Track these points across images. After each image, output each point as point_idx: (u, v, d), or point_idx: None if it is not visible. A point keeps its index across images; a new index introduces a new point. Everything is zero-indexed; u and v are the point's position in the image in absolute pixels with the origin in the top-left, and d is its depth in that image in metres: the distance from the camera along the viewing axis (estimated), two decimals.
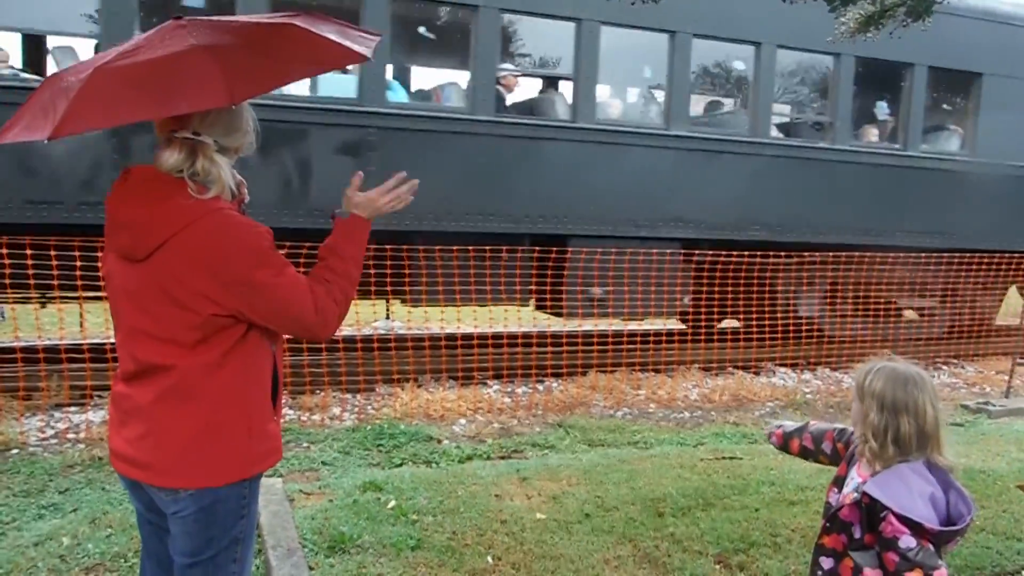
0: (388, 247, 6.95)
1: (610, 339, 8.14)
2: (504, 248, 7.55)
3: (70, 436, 5.75)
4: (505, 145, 7.58)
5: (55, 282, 5.91)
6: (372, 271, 6.85)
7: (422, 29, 8.37)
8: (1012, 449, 5.79)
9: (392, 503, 4.24)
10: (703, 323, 8.78)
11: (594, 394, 7.53)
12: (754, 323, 8.68)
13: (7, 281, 5.90)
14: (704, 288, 8.35)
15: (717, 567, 3.71)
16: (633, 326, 8.95)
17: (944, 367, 9.81)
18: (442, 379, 7.66)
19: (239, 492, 2.01)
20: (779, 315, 8.86)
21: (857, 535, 2.10)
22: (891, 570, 1.99)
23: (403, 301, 7.85)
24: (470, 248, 7.42)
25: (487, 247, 7.48)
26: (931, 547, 1.98)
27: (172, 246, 1.85)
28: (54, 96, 1.76)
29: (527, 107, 8.33)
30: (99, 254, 2.25)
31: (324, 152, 7.06)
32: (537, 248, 7.83)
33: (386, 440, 5.80)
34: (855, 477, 2.19)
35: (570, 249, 7.79)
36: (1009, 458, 5.52)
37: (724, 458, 5.34)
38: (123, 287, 1.95)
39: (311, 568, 3.52)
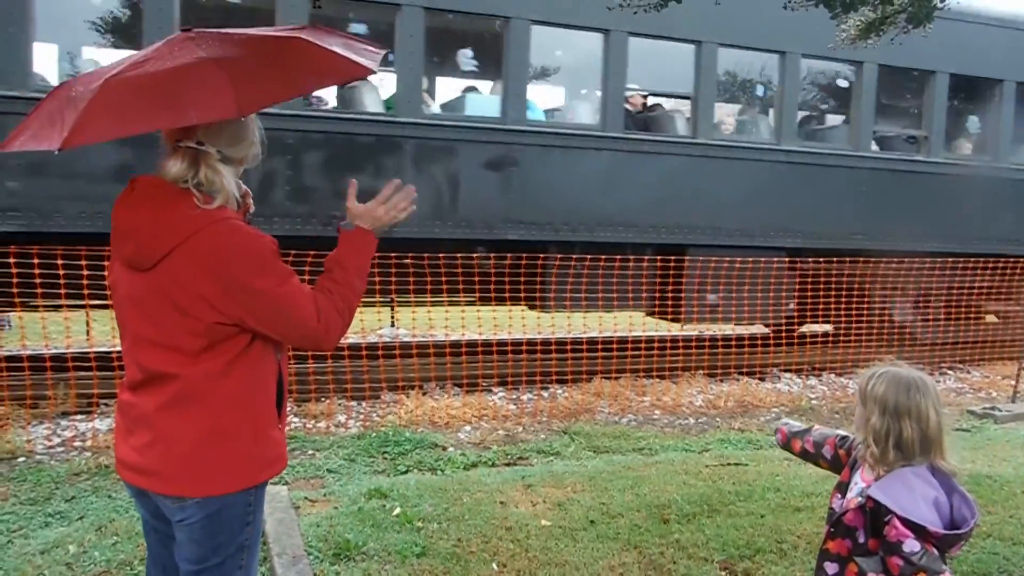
0: (524, 255, 7.58)
1: (614, 345, 8.14)
2: (631, 257, 8.10)
3: (76, 444, 5.76)
4: (632, 160, 8.20)
5: (62, 291, 5.94)
6: (506, 280, 7.49)
7: (559, 53, 9.03)
8: (1019, 454, 5.77)
9: (397, 510, 4.25)
10: (793, 327, 9.36)
11: (599, 401, 7.53)
12: (852, 327, 9.17)
13: (15, 290, 5.94)
14: (808, 294, 8.89)
15: (723, 573, 3.70)
16: (637, 332, 8.95)
17: (950, 372, 9.78)
18: (447, 386, 7.67)
19: (245, 499, 2.02)
20: (875, 320, 9.38)
21: (861, 540, 2.10)
22: (895, 575, 1.99)
23: (534, 307, 8.30)
24: (601, 257, 7.94)
25: (616, 256, 8.03)
26: (935, 551, 1.97)
27: (177, 255, 1.87)
28: (62, 106, 1.78)
29: (649, 123, 8.89)
30: (105, 263, 2.26)
31: (472, 167, 7.67)
32: (659, 257, 8.32)
33: (391, 447, 5.81)
34: (859, 482, 2.19)
35: (687, 258, 8.28)
36: (1015, 463, 5.51)
37: (729, 464, 5.33)
38: (129, 295, 1.97)
39: (316, 575, 3.52)
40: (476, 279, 7.56)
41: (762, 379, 8.85)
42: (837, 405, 7.97)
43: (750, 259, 8.41)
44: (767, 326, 10.04)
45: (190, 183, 1.92)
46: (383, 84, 8.05)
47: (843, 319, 9.08)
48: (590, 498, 4.55)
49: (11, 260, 5.80)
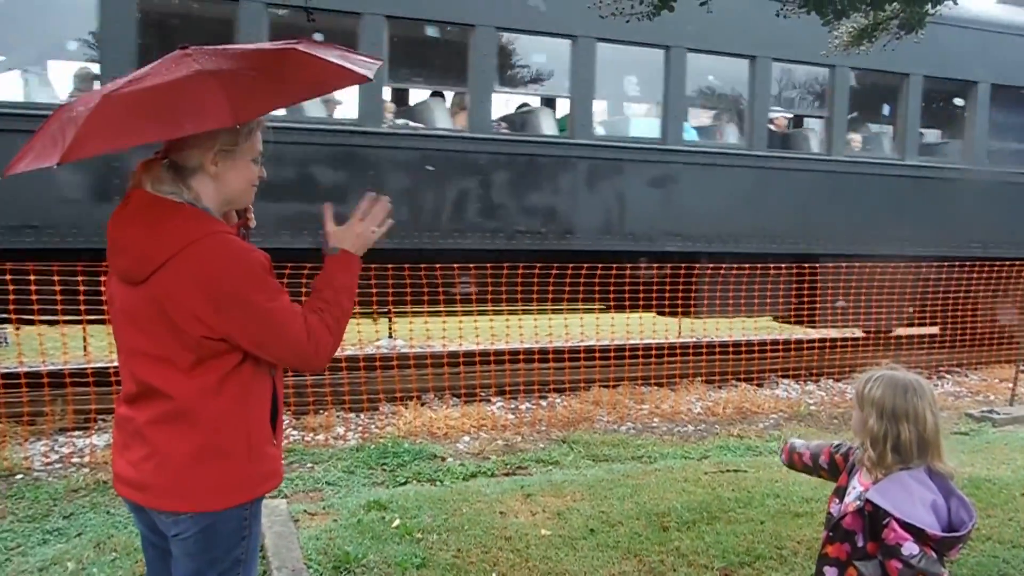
0: (668, 265, 8.25)
1: (612, 354, 8.15)
2: (771, 266, 8.64)
3: (74, 460, 5.75)
4: (773, 176, 9.02)
5: (59, 307, 5.94)
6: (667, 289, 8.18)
7: (710, 77, 9.64)
8: (1017, 457, 5.78)
9: (397, 522, 4.24)
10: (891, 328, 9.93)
11: (597, 409, 7.52)
12: (958, 329, 9.76)
13: (11, 307, 5.93)
14: (919, 298, 9.67)
15: None
16: (635, 340, 8.96)
17: (948, 376, 9.80)
18: (445, 397, 7.67)
19: (240, 514, 2.02)
20: (978, 322, 9.95)
21: (860, 544, 2.11)
22: None
23: (686, 314, 8.82)
24: (746, 266, 8.52)
25: (759, 264, 8.61)
26: (934, 555, 1.98)
27: (168, 268, 1.87)
28: (63, 125, 1.80)
29: (788, 142, 9.76)
30: (102, 278, 2.28)
31: (636, 184, 8.42)
32: (795, 265, 8.86)
33: (390, 459, 5.80)
34: (856, 486, 2.20)
35: (819, 266, 8.88)
36: (1014, 466, 5.51)
37: (729, 471, 5.33)
38: (123, 309, 1.98)
39: None
40: (640, 288, 8.33)
41: (760, 385, 8.86)
42: (835, 410, 7.98)
43: (877, 265, 9.04)
44: (885, 330, 10.52)
45: (175, 197, 1.94)
46: (556, 108, 9.23)
47: (947, 321, 9.73)
48: (589, 507, 4.55)
49: (7, 276, 5.80)
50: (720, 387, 8.65)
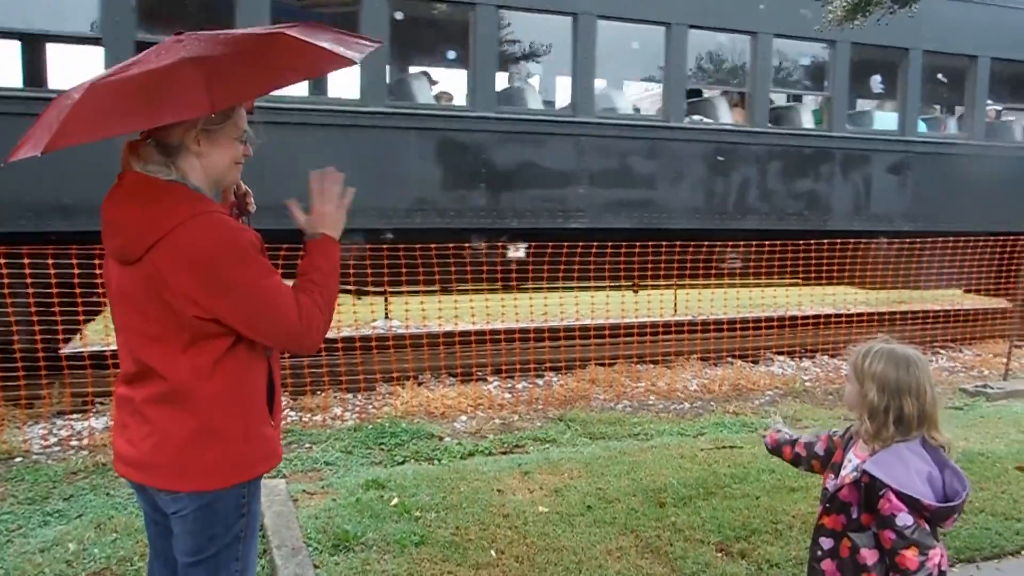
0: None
1: (607, 332, 8.18)
2: (969, 240, 9.42)
3: (73, 443, 5.77)
4: (985, 162, 10.03)
5: (54, 290, 5.93)
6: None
7: (939, 76, 10.66)
8: (1011, 431, 5.83)
9: (395, 500, 4.27)
10: None
11: (594, 387, 7.56)
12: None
13: (6, 291, 5.92)
14: None
15: (719, 555, 3.74)
16: (630, 319, 8.97)
17: (942, 351, 9.85)
18: (442, 376, 7.69)
19: (238, 492, 2.04)
20: None
21: (855, 515, 2.13)
22: (887, 548, 2.02)
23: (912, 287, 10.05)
24: (949, 240, 9.29)
25: (971, 239, 9.45)
26: (927, 526, 2.01)
27: (161, 247, 1.88)
28: (59, 113, 1.81)
29: (1000, 132, 10.87)
30: (97, 260, 2.28)
31: (879, 171, 9.57)
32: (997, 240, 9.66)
33: (388, 439, 5.82)
34: (852, 459, 2.22)
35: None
36: (1008, 440, 5.56)
37: (724, 447, 5.37)
38: (119, 289, 1.99)
39: (316, 567, 3.55)
40: (880, 264, 9.46)
41: (755, 362, 8.90)
42: (831, 386, 8.02)
43: None
44: None
45: (164, 176, 1.95)
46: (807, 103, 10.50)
47: None
48: (586, 484, 4.58)
49: (1, 260, 5.79)
50: (716, 364, 8.69)
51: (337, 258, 2.12)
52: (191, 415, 1.94)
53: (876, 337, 2.27)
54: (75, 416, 6.31)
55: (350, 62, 2.01)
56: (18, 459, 5.40)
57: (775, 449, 2.58)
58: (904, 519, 1.99)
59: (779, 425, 2.65)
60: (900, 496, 2.00)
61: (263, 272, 1.94)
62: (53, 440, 5.83)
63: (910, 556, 1.97)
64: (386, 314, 10.80)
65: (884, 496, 2.02)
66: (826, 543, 2.22)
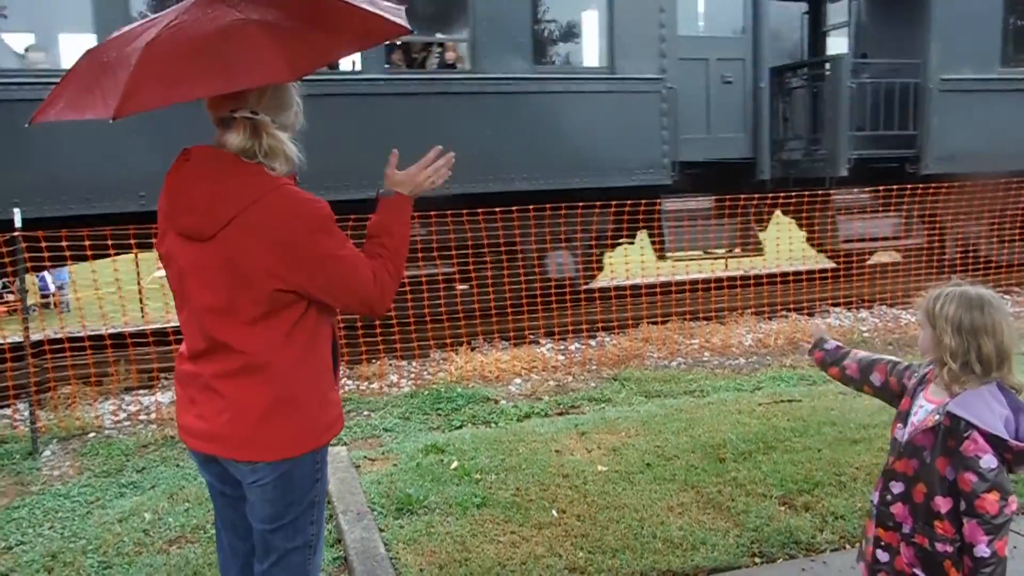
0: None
1: (659, 290, 8.11)
2: None
3: (142, 418, 5.96)
4: None
5: (115, 267, 6.09)
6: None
7: None
8: None
9: (455, 464, 4.33)
10: None
11: (647, 346, 7.52)
12: None
13: (74, 274, 6.10)
14: None
15: (782, 508, 3.72)
16: (680, 276, 8.88)
17: (1007, 296, 9.56)
18: (495, 340, 7.73)
19: (312, 458, 2.07)
20: None
21: (928, 460, 2.09)
22: (967, 491, 1.98)
23: None
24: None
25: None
26: (1007, 473, 1.97)
27: (237, 224, 1.88)
28: (97, 73, 1.76)
29: None
30: (153, 240, 2.30)
31: None
32: None
33: (444, 404, 5.89)
34: (925, 404, 2.16)
35: None
36: None
37: (783, 401, 5.31)
38: (188, 266, 1.97)
39: (381, 530, 3.62)
40: None
41: (811, 315, 8.75)
42: (890, 336, 7.86)
43: None
44: None
45: (258, 154, 1.91)
46: None
47: None
48: (644, 442, 4.58)
49: (64, 243, 5.96)
50: (770, 318, 8.57)
51: (407, 220, 2.15)
52: (268, 386, 1.96)
53: (948, 281, 2.21)
54: (142, 391, 6.52)
55: (405, 30, 1.97)
56: (91, 434, 5.61)
57: (822, 367, 2.51)
58: (989, 461, 1.95)
59: (824, 337, 2.57)
60: (987, 437, 1.96)
61: (341, 242, 1.96)
62: (123, 415, 6.03)
63: (991, 499, 1.94)
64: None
65: (969, 437, 1.98)
66: (896, 487, 2.18)
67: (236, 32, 1.73)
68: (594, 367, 6.96)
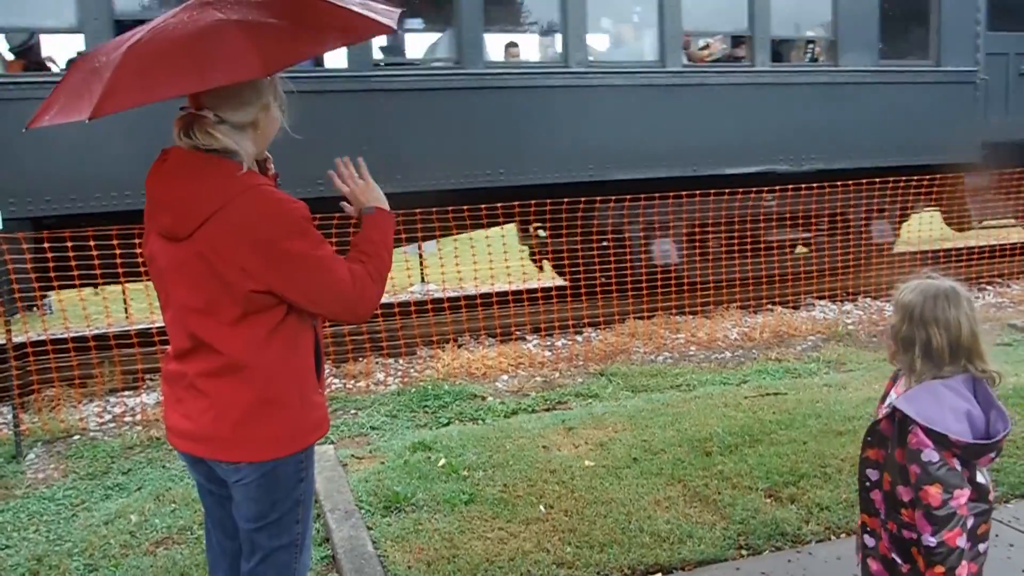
0: None
1: (644, 286, 8.13)
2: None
3: (127, 419, 5.92)
4: None
5: (97, 271, 6.05)
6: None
7: None
8: None
9: (442, 461, 4.33)
10: None
11: (633, 341, 7.55)
12: None
13: (52, 275, 6.05)
14: None
15: (768, 501, 3.74)
16: (667, 271, 8.91)
17: (989, 287, 9.64)
18: (481, 337, 7.73)
19: (297, 458, 2.08)
20: None
21: (890, 450, 2.12)
22: (912, 482, 2.01)
23: None
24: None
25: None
26: (957, 465, 1.97)
27: (214, 223, 1.89)
28: (87, 78, 1.78)
29: None
30: (136, 240, 2.30)
31: None
32: None
33: (431, 401, 5.89)
34: (893, 394, 2.20)
35: None
36: None
37: (768, 394, 5.34)
38: (169, 266, 1.99)
39: (369, 528, 3.62)
40: None
41: (796, 308, 8.80)
42: (875, 328, 7.92)
43: None
44: None
45: (210, 150, 1.93)
46: None
47: None
48: (631, 437, 4.60)
49: (46, 244, 5.90)
50: (756, 312, 8.61)
51: (391, 230, 2.15)
52: (249, 387, 1.97)
53: (921, 273, 2.23)
54: (127, 393, 6.48)
55: (388, 28, 1.98)
56: (76, 437, 5.57)
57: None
58: (930, 455, 1.97)
59: None
60: (927, 432, 1.97)
61: (317, 243, 1.96)
62: (108, 417, 5.99)
63: (933, 492, 1.96)
64: (422, 278, 10.87)
65: (912, 431, 2.01)
66: (872, 475, 2.22)
67: (213, 32, 1.75)
68: (581, 363, 6.98)
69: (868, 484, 2.24)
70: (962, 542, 1.96)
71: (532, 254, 9.20)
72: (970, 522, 2.02)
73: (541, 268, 9.50)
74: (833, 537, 3.43)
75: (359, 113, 7.12)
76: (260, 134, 2.02)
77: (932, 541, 1.97)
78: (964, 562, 1.97)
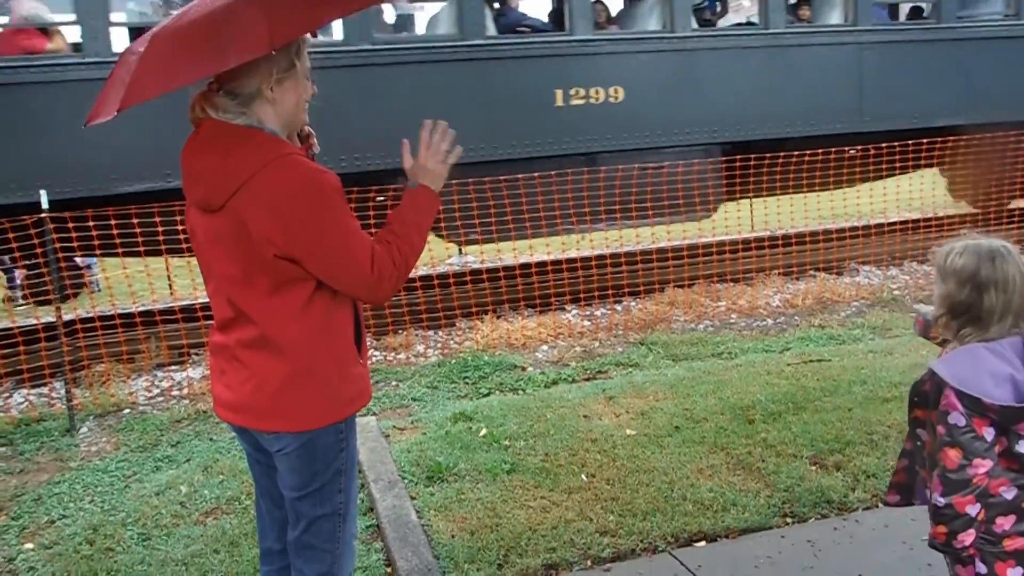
0: None
1: (685, 253, 8.04)
2: None
3: (174, 393, 6.05)
4: None
5: (140, 248, 6.15)
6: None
7: None
8: None
9: (483, 431, 4.35)
10: None
11: (673, 310, 7.48)
12: None
13: (97, 252, 6.17)
14: None
15: (813, 468, 3.70)
16: (707, 238, 8.79)
17: None
18: (520, 308, 7.72)
19: (336, 429, 2.10)
20: None
21: (931, 411, 2.07)
22: (938, 441, 1.96)
23: None
24: None
25: None
26: (989, 435, 1.90)
27: (244, 192, 1.90)
28: (126, 71, 1.81)
29: None
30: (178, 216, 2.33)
31: None
32: None
33: (471, 372, 5.91)
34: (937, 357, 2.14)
35: None
36: None
37: (812, 361, 5.27)
38: (207, 238, 2.02)
39: (412, 497, 3.66)
40: None
41: (840, 274, 8.63)
42: (920, 293, 7.74)
43: None
44: None
45: (243, 121, 1.95)
46: None
47: None
48: (673, 405, 4.57)
49: (90, 223, 6.01)
50: (798, 279, 8.46)
51: (428, 212, 2.10)
52: (284, 358, 1.99)
53: (962, 235, 2.15)
54: (173, 367, 6.61)
55: None
56: (126, 411, 5.70)
57: (923, 333, 2.47)
58: (956, 418, 1.91)
59: (924, 310, 2.54)
60: (959, 395, 1.92)
61: (340, 215, 1.94)
62: (156, 391, 6.12)
63: (952, 455, 1.91)
64: (460, 250, 10.87)
65: (945, 392, 1.95)
66: (923, 434, 2.18)
67: (226, 11, 1.75)
68: (620, 332, 6.94)
69: (919, 444, 2.20)
70: (972, 511, 1.91)
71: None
72: (1011, 494, 1.96)
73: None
74: (880, 505, 3.37)
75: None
76: (279, 105, 1.99)
77: (941, 501, 1.92)
78: (971, 530, 1.92)
